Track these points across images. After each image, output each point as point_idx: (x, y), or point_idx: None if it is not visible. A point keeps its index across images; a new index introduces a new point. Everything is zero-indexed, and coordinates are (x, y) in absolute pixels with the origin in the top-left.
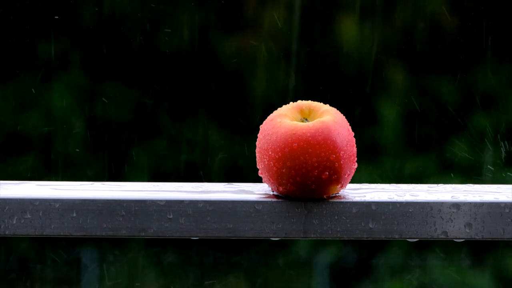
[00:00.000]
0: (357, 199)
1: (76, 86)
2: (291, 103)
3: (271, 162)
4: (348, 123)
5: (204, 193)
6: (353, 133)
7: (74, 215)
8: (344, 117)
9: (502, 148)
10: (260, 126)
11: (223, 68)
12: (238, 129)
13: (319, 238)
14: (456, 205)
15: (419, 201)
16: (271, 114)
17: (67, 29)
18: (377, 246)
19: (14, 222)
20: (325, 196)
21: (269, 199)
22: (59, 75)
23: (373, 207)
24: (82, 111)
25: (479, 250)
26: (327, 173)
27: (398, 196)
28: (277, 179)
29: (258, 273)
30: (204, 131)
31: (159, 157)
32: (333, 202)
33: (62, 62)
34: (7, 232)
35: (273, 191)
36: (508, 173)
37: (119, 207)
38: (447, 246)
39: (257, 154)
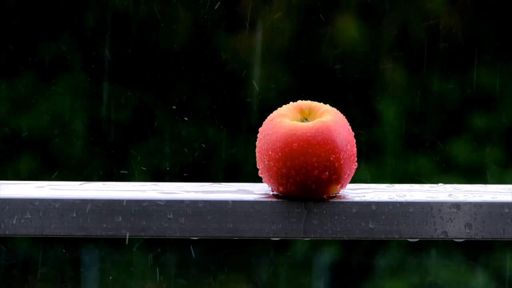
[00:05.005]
0: (357, 199)
1: (76, 86)
2: (291, 103)
3: (271, 162)
4: (348, 123)
5: (204, 193)
6: (353, 133)
7: (74, 215)
8: (344, 117)
9: (502, 148)
10: (260, 126)
11: (223, 68)
12: (238, 129)
13: (319, 238)
14: (456, 205)
15: (419, 201)
16: (271, 114)
17: (68, 29)
18: (377, 246)
19: (14, 222)
20: (325, 196)
21: (269, 199)
22: (60, 75)
23: (373, 207)
24: (82, 111)
25: (479, 250)
26: (327, 173)
27: (398, 196)
28: (277, 179)
29: (258, 273)
30: (203, 131)
31: (159, 157)
32: (333, 202)
33: (62, 62)
34: (7, 232)
35: (273, 191)
36: (508, 173)
37: (119, 207)
38: (447, 246)
39: (257, 154)
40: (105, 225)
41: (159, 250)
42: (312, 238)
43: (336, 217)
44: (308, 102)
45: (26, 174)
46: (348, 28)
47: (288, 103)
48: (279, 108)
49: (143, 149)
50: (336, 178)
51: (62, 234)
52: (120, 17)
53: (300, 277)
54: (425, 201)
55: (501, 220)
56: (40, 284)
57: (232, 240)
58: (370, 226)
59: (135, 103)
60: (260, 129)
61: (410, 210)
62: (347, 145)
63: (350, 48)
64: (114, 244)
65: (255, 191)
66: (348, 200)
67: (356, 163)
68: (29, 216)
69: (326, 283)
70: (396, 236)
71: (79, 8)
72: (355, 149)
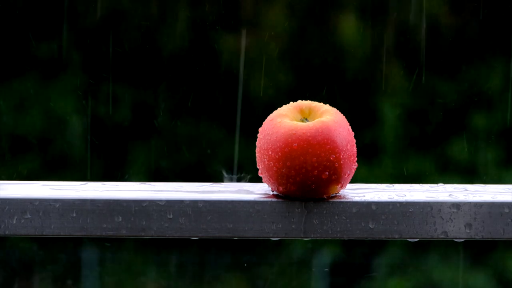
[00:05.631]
0: (357, 199)
1: (76, 86)
2: (291, 103)
3: (271, 162)
4: (348, 123)
5: (204, 193)
6: (353, 133)
7: (74, 215)
8: (344, 117)
9: (501, 148)
10: (260, 126)
11: (223, 68)
12: (238, 129)
13: (319, 238)
14: (456, 205)
15: (419, 201)
16: (271, 114)
17: (68, 29)
18: (377, 246)
19: (14, 222)
20: (325, 196)
21: (269, 199)
22: (59, 75)
23: (373, 207)
24: (82, 111)
25: (479, 250)
26: (327, 173)
27: (398, 196)
28: (277, 179)
29: (258, 273)
30: (203, 131)
31: (159, 157)
32: (333, 202)
33: (62, 62)
34: (7, 232)
35: (273, 191)
36: (508, 173)
37: (119, 207)
38: (447, 246)
39: (257, 154)
40: (105, 225)
41: (159, 250)
42: (312, 238)
43: (336, 217)
44: (308, 102)
45: (26, 174)
46: (348, 28)
47: (288, 103)
48: (279, 108)
49: (143, 149)
50: (336, 178)
51: (62, 234)
52: (120, 16)
53: (300, 277)
54: (425, 201)
55: (501, 220)
56: (40, 284)
57: (232, 240)
58: (370, 226)
59: (135, 102)
60: (260, 129)
61: (410, 210)
62: (347, 145)
63: (350, 48)
64: (114, 244)
65: (255, 191)
66: (348, 200)
67: (356, 163)
68: (29, 216)
69: (326, 283)
70: (396, 236)
71: (79, 8)
72: (355, 149)
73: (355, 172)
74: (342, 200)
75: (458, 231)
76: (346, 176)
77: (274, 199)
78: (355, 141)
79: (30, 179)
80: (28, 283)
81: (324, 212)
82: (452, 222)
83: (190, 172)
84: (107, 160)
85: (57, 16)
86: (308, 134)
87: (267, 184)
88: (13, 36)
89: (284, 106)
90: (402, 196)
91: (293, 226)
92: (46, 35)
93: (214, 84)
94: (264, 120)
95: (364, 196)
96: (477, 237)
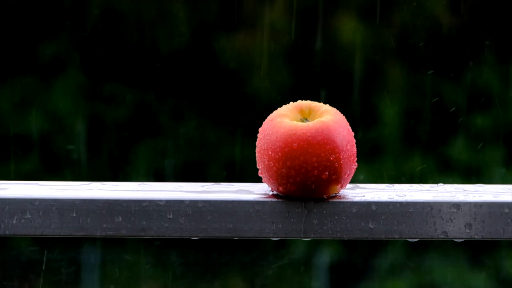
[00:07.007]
0: (357, 199)
1: (76, 86)
2: (291, 103)
3: (271, 162)
4: (348, 123)
5: (204, 193)
6: (353, 133)
7: (74, 215)
8: (344, 117)
9: (501, 148)
10: (260, 126)
11: (223, 68)
12: (238, 129)
13: (319, 238)
14: (456, 205)
15: (419, 201)
16: (271, 114)
17: (67, 29)
18: (377, 246)
19: (14, 222)
20: (325, 196)
21: (269, 199)
22: (59, 75)
23: (373, 207)
24: (82, 111)
25: (479, 250)
26: (327, 173)
27: (398, 196)
28: (277, 179)
29: (258, 273)
30: (203, 131)
31: (159, 157)
32: (333, 202)
33: (62, 62)
34: (7, 232)
35: (273, 191)
36: (508, 173)
37: (119, 207)
38: (447, 246)
39: (257, 154)
40: (105, 225)
41: (159, 250)
42: (312, 238)
43: (336, 217)
44: (308, 102)
45: (26, 174)
46: (348, 28)
47: (288, 103)
48: (279, 108)
49: (143, 149)
50: (336, 178)
51: (62, 234)
52: (119, 16)
53: (300, 277)
54: (425, 201)
55: (501, 220)
56: (40, 284)
57: (232, 240)
58: (370, 226)
59: (135, 103)
60: (260, 129)
61: (410, 210)
62: (347, 145)
63: (350, 48)
64: (114, 244)
65: (255, 191)
66: (348, 200)
67: (356, 163)
68: (29, 216)
69: (326, 283)
70: (396, 236)
71: (78, 8)
72: (355, 149)
73: (355, 172)
74: (342, 200)
75: (458, 231)
76: (346, 176)
77: (274, 199)
78: (355, 141)
79: (30, 179)
80: (28, 283)
81: (324, 212)
82: (452, 222)
83: (190, 172)
84: (107, 160)
85: (57, 16)
86: (308, 134)
87: (267, 184)
88: (13, 36)
89: (284, 106)
90: (402, 196)
91: (293, 226)
92: (46, 35)
93: (214, 84)
94: (264, 120)
95: (364, 196)
96: (477, 237)
